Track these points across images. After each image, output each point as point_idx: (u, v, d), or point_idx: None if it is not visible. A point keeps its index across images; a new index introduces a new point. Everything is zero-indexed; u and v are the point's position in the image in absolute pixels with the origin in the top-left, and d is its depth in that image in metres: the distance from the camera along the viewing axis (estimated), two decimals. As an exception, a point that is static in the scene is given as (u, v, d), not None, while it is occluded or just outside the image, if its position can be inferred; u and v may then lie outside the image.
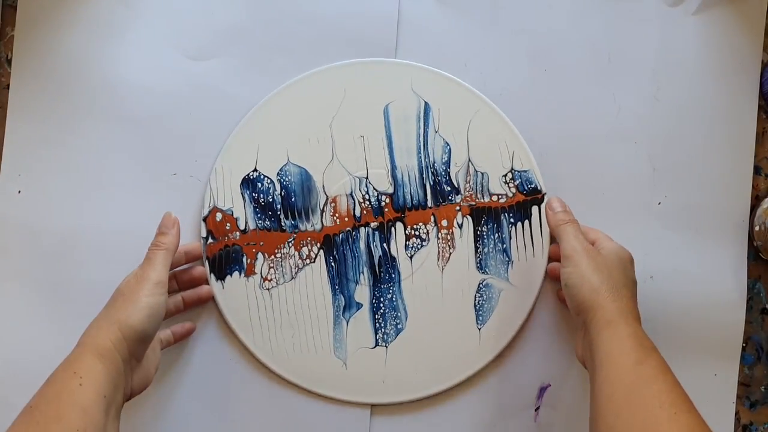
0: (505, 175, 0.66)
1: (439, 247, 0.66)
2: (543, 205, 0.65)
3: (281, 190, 0.65)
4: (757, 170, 0.69)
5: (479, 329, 0.65)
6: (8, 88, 0.67)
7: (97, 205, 0.66)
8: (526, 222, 0.66)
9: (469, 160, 0.66)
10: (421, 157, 0.66)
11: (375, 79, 0.66)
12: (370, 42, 0.67)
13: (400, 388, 0.65)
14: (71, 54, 0.67)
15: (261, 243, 0.65)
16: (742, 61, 0.69)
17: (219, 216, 0.65)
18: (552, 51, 0.68)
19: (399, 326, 0.65)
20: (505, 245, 0.66)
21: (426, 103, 0.66)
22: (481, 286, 0.66)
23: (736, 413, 0.67)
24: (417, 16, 0.68)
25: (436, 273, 0.65)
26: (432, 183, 0.66)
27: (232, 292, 0.65)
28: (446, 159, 0.66)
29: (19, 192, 0.66)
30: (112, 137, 0.67)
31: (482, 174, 0.66)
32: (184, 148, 0.67)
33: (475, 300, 0.65)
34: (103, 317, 0.56)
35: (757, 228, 0.67)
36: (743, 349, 0.68)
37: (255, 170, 0.65)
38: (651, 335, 0.56)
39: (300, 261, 0.65)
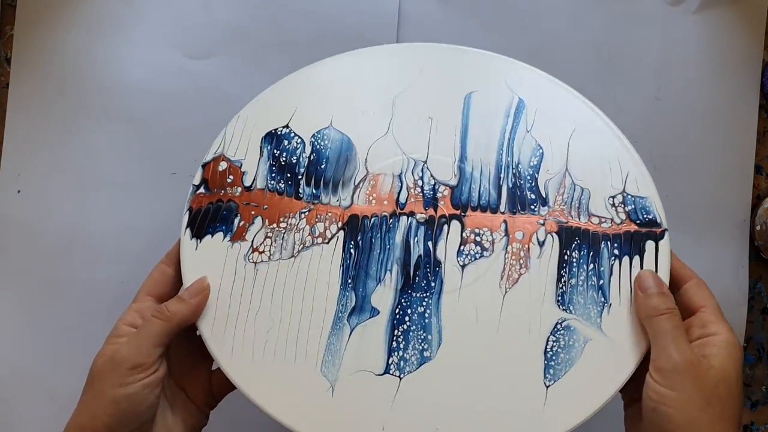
0: (614, 197, 0.51)
1: (505, 263, 0.49)
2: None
3: (312, 153, 0.53)
4: (758, 169, 0.70)
5: (547, 386, 0.45)
6: (8, 87, 0.67)
7: (97, 205, 0.66)
8: (636, 258, 0.49)
9: (567, 171, 0.52)
10: (502, 154, 0.52)
11: (461, 66, 0.56)
12: (370, 40, 0.67)
13: (407, 447, 0.44)
14: (71, 53, 0.68)
15: (264, 206, 0.51)
16: (743, 60, 0.70)
17: (223, 165, 0.52)
18: (552, 50, 0.69)
19: (426, 353, 0.46)
20: (602, 281, 0.48)
21: (520, 100, 0.54)
22: (558, 327, 0.47)
23: (737, 413, 0.66)
24: (417, 15, 0.68)
25: (495, 295, 0.48)
26: (510, 185, 0.51)
27: (206, 257, 0.49)
28: (536, 163, 0.52)
29: (19, 192, 0.66)
30: (112, 136, 0.67)
31: (582, 189, 0.51)
32: (184, 147, 0.67)
33: (547, 344, 0.46)
34: (75, 413, 0.46)
35: (758, 227, 0.68)
36: (744, 349, 0.68)
37: (286, 126, 0.54)
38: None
39: (309, 238, 0.50)
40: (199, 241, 0.50)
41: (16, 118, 0.67)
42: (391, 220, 0.50)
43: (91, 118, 0.67)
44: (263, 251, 0.49)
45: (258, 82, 0.62)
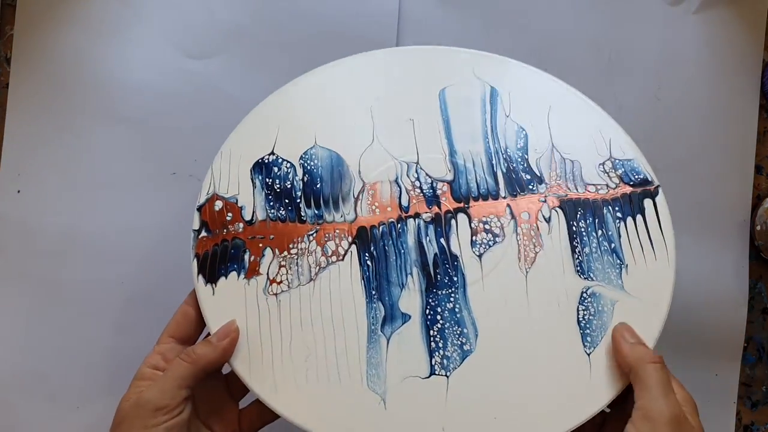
0: (603, 164, 0.53)
1: (519, 245, 0.50)
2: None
3: (304, 175, 0.53)
4: (758, 169, 0.70)
5: (588, 354, 0.47)
6: (8, 87, 0.67)
7: (97, 205, 0.66)
8: (639, 218, 0.51)
9: (553, 147, 0.54)
10: (488, 142, 0.54)
11: (426, 64, 0.57)
12: (370, 40, 0.67)
13: (470, 441, 0.45)
14: (71, 53, 0.67)
15: (271, 236, 0.51)
16: (743, 60, 0.70)
17: (219, 204, 0.52)
18: (552, 50, 0.69)
19: (465, 347, 0.47)
20: (613, 244, 0.50)
21: (492, 88, 0.56)
22: (585, 295, 0.48)
23: (738, 413, 0.68)
24: (418, 15, 0.68)
25: (518, 277, 0.49)
26: (505, 170, 0.53)
27: (225, 299, 0.49)
28: (522, 144, 0.54)
29: (19, 191, 0.66)
30: (112, 136, 0.67)
31: (572, 162, 0.53)
32: (184, 147, 0.67)
33: (578, 314, 0.48)
34: None
35: (758, 227, 0.67)
36: (744, 349, 0.68)
37: (272, 153, 0.54)
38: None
39: (323, 258, 0.50)
40: (214, 285, 0.49)
41: (16, 118, 0.67)
42: (399, 225, 0.51)
43: (91, 118, 0.67)
44: (281, 281, 0.49)
45: (258, 83, 0.67)
